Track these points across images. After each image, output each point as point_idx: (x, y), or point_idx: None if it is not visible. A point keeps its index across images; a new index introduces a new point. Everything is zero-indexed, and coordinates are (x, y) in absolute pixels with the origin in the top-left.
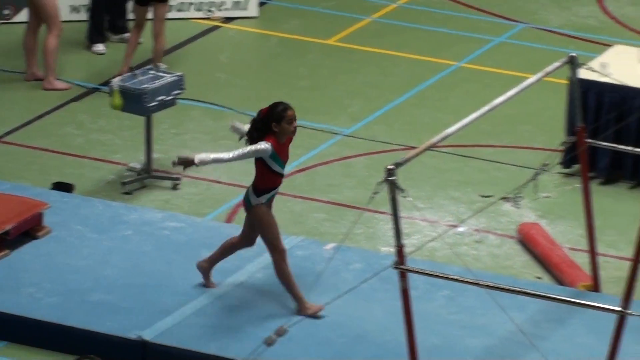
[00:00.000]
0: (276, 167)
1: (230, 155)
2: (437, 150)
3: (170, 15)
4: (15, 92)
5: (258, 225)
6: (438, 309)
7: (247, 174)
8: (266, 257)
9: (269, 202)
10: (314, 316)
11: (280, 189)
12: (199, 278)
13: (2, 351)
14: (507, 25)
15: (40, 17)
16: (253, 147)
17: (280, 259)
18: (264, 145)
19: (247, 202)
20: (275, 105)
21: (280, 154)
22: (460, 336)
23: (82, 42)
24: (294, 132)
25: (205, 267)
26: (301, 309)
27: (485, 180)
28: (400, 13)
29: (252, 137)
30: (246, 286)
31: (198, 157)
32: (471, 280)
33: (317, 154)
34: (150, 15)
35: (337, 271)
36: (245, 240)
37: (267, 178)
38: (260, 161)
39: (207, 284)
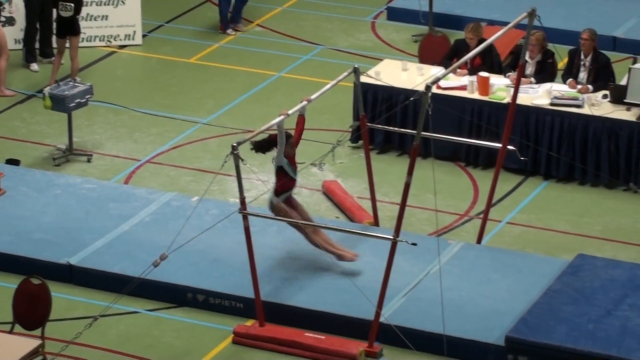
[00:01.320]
0: (291, 173)
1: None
2: (265, 134)
3: (81, 44)
4: None
5: (284, 218)
6: (270, 240)
7: (139, 151)
8: (150, 208)
9: (286, 200)
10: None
11: (160, 159)
12: (107, 222)
13: None
14: (310, 47)
15: None
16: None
17: (309, 235)
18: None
19: (271, 205)
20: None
21: (292, 164)
22: (285, 258)
23: (22, 64)
24: (293, 149)
25: (332, 254)
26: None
27: (299, 152)
28: (239, 40)
29: (262, 150)
30: (139, 226)
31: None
32: (292, 220)
33: (185, 136)
34: (67, 44)
35: (200, 215)
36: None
37: (284, 183)
38: (281, 171)
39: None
